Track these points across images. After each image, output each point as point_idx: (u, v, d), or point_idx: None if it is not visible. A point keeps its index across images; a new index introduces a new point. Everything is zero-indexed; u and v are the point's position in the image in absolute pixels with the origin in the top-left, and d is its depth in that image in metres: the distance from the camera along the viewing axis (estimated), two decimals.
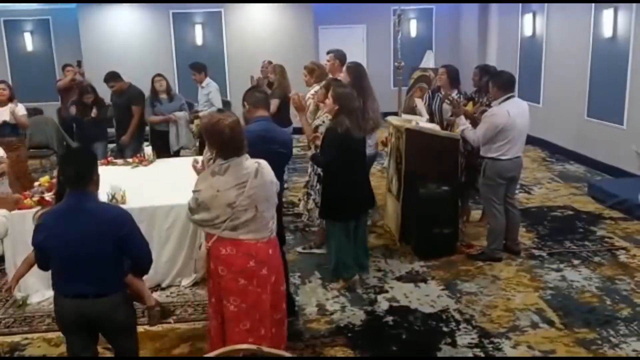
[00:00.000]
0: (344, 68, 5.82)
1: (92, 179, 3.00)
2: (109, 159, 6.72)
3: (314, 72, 6.32)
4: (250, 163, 3.30)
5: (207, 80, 8.12)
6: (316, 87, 6.02)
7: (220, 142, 3.25)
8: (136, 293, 3.31)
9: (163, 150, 7.41)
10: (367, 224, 5.37)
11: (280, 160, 4.04)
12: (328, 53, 6.32)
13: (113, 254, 2.97)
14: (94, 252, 2.91)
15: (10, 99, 6.82)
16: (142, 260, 3.12)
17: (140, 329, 4.25)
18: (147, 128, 7.93)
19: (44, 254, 3.01)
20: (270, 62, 8.64)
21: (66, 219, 2.93)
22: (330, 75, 6.06)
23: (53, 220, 2.97)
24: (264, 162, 3.35)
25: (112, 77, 7.70)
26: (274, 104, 7.55)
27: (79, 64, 8.92)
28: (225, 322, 3.37)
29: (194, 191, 3.30)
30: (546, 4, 9.79)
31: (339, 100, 4.62)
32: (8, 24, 12.45)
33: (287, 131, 5.64)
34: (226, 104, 9.38)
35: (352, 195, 4.75)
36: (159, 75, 7.68)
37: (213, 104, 7.99)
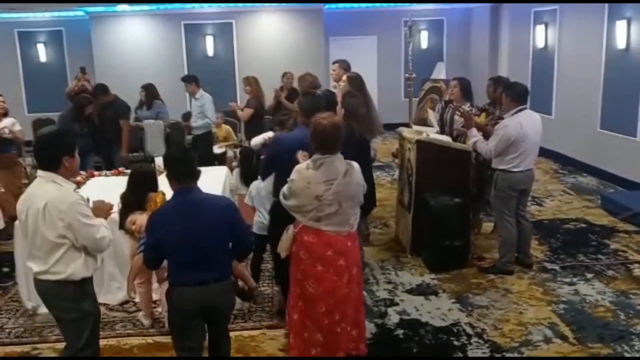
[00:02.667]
0: (344, 77, 6.01)
1: (197, 176, 3.28)
2: (120, 169, 6.75)
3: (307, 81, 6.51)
4: (341, 163, 3.64)
5: (201, 92, 8.26)
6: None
7: (319, 139, 3.58)
8: (239, 276, 3.61)
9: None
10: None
11: None
12: (334, 63, 6.71)
13: (225, 239, 3.25)
14: (212, 240, 3.18)
15: (5, 114, 6.79)
16: (247, 244, 3.44)
17: (148, 340, 4.26)
18: None
19: (161, 251, 3.21)
20: (291, 73, 8.70)
21: (182, 214, 3.17)
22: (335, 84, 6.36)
23: (168, 218, 3.20)
24: (355, 165, 3.70)
25: (103, 91, 7.86)
26: (248, 113, 7.73)
27: (83, 70, 8.98)
28: (305, 300, 3.69)
29: (289, 179, 3.62)
30: (558, 15, 9.75)
31: (347, 107, 4.94)
32: (22, 35, 12.57)
33: None
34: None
35: None
36: (142, 87, 8.28)
37: (206, 115, 8.15)
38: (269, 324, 4.55)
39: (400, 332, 4.43)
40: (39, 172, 3.22)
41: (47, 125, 8.73)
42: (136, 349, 4.28)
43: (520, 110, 5.17)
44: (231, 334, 4.32)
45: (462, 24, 13.49)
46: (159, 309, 4.66)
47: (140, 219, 4.13)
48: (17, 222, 3.68)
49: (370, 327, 4.49)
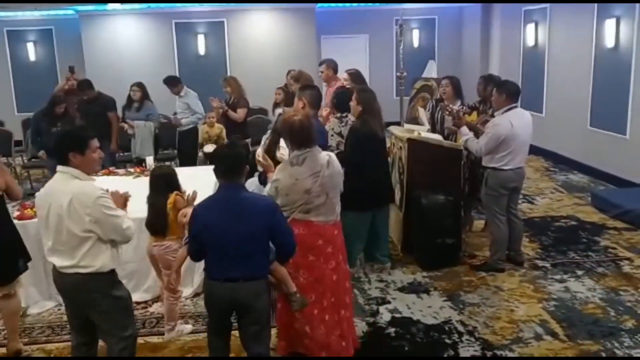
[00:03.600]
0: (346, 75, 6.17)
1: (242, 172, 3.31)
2: (111, 169, 6.72)
3: (299, 80, 6.54)
4: (322, 155, 3.76)
5: (185, 89, 8.24)
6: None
7: (297, 135, 3.68)
8: (279, 279, 3.51)
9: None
10: (388, 218, 5.48)
11: None
12: (321, 64, 6.75)
13: (264, 240, 3.26)
14: (248, 238, 3.19)
15: None
16: (287, 246, 3.36)
17: (140, 340, 4.24)
18: None
19: (200, 243, 3.26)
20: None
21: (221, 208, 3.22)
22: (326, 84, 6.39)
23: (208, 211, 3.25)
24: (333, 155, 3.87)
25: (88, 86, 7.78)
26: (243, 112, 7.72)
27: (72, 69, 8.88)
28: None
29: (273, 180, 3.69)
30: (548, 14, 9.80)
31: (362, 103, 4.93)
32: (11, 34, 12.47)
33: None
34: None
35: (373, 190, 5.01)
36: (136, 84, 8.07)
37: (195, 111, 8.17)
38: None
39: (391, 330, 4.44)
40: (59, 168, 3.26)
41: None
42: None
43: (511, 108, 5.19)
44: None
45: (453, 22, 13.52)
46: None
47: (190, 210, 4.07)
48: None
49: (362, 326, 4.50)
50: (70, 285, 3.27)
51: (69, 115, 7.50)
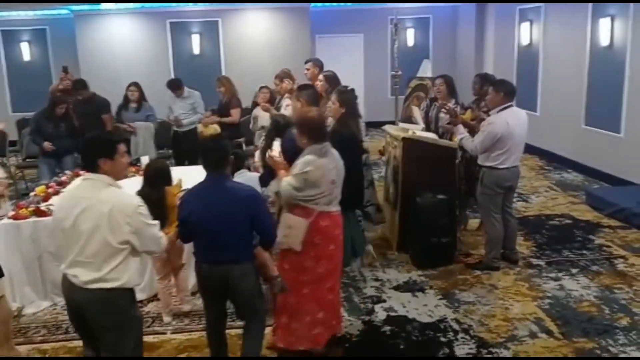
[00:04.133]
0: (321, 76, 6.06)
1: (228, 163, 3.51)
2: None
3: (284, 79, 6.63)
4: (332, 148, 3.93)
5: (187, 90, 8.15)
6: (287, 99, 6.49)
7: (315, 129, 3.82)
8: (262, 264, 3.66)
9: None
10: (358, 220, 5.32)
11: None
12: (307, 62, 6.72)
13: (245, 227, 3.42)
14: (230, 224, 3.37)
15: None
16: (268, 234, 3.54)
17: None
18: None
19: (188, 227, 3.45)
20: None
21: (207, 196, 3.41)
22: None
23: (195, 198, 3.45)
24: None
25: (83, 86, 7.71)
26: (238, 112, 7.72)
27: (65, 69, 8.83)
28: (311, 285, 3.88)
29: (300, 172, 3.75)
30: (543, 13, 9.82)
31: (345, 104, 4.86)
32: (5, 34, 12.43)
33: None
34: None
35: (354, 192, 4.88)
36: (134, 84, 7.95)
37: (198, 111, 8.11)
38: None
39: (387, 328, 4.44)
40: (87, 175, 3.13)
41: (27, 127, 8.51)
42: None
43: (507, 107, 5.19)
44: None
45: (448, 21, 13.54)
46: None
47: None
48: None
49: (357, 324, 4.51)
50: (88, 301, 3.04)
51: (70, 116, 7.41)
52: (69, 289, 3.09)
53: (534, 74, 10.17)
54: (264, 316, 3.73)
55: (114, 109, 7.99)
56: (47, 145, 7.10)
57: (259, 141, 7.14)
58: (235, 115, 7.88)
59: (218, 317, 3.70)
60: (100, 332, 3.12)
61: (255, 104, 7.76)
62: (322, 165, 3.78)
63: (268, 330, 4.33)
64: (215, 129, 8.39)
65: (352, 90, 5.14)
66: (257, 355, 3.71)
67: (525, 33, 10.45)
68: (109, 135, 3.52)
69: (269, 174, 4.62)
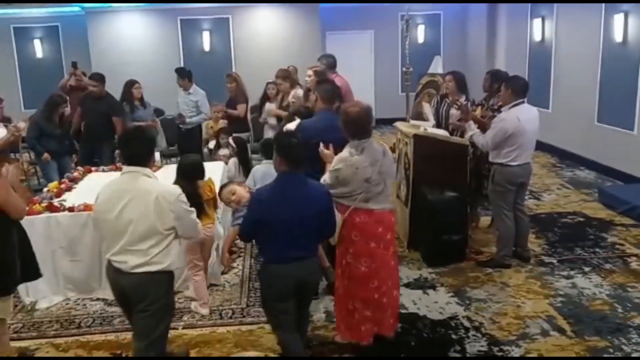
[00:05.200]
0: (310, 71, 6.17)
1: (303, 162, 3.49)
2: (118, 165, 6.73)
3: (287, 78, 6.84)
4: (378, 145, 3.94)
5: (194, 87, 8.21)
6: (298, 91, 6.72)
7: (356, 126, 3.83)
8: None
9: None
10: None
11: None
12: (319, 59, 6.90)
13: (317, 222, 3.47)
14: (308, 222, 3.41)
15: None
16: (331, 227, 3.64)
17: None
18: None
19: (258, 226, 3.40)
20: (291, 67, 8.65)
21: (285, 195, 3.39)
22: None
23: (271, 196, 3.42)
24: (386, 145, 4.06)
25: (100, 79, 7.55)
26: (244, 108, 7.78)
27: (75, 65, 8.81)
28: (354, 282, 3.88)
29: (333, 170, 3.81)
30: (555, 9, 9.75)
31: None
32: (18, 31, 12.53)
33: None
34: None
35: None
36: (137, 82, 7.90)
37: (201, 110, 8.16)
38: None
39: (397, 325, 4.43)
40: (127, 168, 3.30)
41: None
42: None
43: (518, 104, 5.17)
44: (229, 328, 4.38)
45: (459, 18, 13.48)
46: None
47: (239, 190, 4.17)
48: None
49: None
50: (134, 284, 3.25)
51: (68, 117, 7.31)
52: (115, 276, 3.32)
53: (546, 70, 10.10)
54: None
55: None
56: (46, 157, 6.95)
57: (269, 134, 7.23)
58: (241, 110, 7.96)
59: (295, 318, 3.62)
60: (138, 314, 3.31)
61: (266, 98, 7.79)
62: (354, 163, 3.77)
63: None
64: (224, 123, 8.44)
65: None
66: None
67: (537, 29, 10.38)
68: (149, 131, 3.69)
69: None
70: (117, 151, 8.15)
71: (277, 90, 7.64)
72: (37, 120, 7.02)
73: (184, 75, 8.19)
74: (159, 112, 8.89)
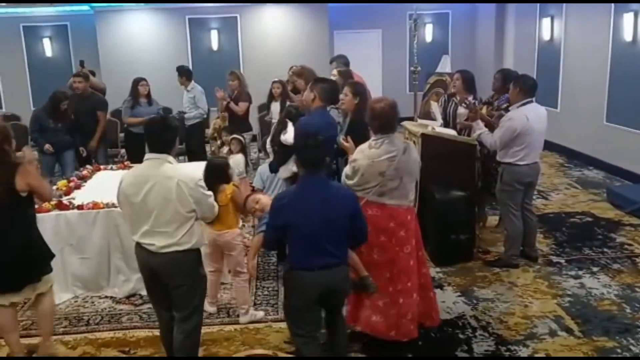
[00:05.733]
0: (334, 71, 6.29)
1: (324, 163, 3.51)
2: (126, 163, 6.76)
3: (302, 75, 6.81)
4: (399, 141, 3.96)
5: (193, 84, 8.42)
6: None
7: (380, 121, 3.89)
8: (352, 265, 3.66)
9: (138, 152, 7.46)
10: None
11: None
12: (331, 62, 7.16)
13: (345, 228, 3.38)
14: (334, 227, 3.33)
15: None
16: (362, 234, 3.53)
17: (155, 332, 4.29)
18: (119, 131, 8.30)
19: (283, 233, 3.36)
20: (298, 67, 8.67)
21: (308, 198, 3.33)
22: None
23: (294, 201, 3.35)
24: (411, 144, 4.11)
25: (85, 76, 7.68)
26: (245, 106, 7.81)
27: (82, 64, 8.87)
28: (369, 268, 3.83)
29: (351, 160, 3.86)
30: (564, 8, 9.70)
31: (359, 95, 4.93)
32: (27, 30, 12.59)
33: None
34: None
35: None
36: (144, 79, 8.03)
37: (199, 105, 8.31)
38: (275, 317, 4.57)
39: (416, 333, 4.41)
40: (150, 155, 3.47)
41: (10, 121, 8.32)
42: (142, 341, 4.31)
43: (526, 103, 5.15)
44: (236, 327, 4.39)
45: (467, 17, 13.44)
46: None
47: (263, 198, 4.25)
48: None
49: None
50: (164, 263, 3.43)
51: (68, 113, 7.36)
52: (145, 256, 3.49)
53: (555, 69, 10.06)
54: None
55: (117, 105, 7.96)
56: (47, 147, 7.08)
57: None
58: (242, 107, 7.99)
59: (319, 324, 3.59)
60: (175, 290, 3.51)
61: (272, 97, 7.80)
62: (371, 155, 3.84)
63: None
64: (226, 118, 8.47)
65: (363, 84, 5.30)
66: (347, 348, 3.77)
67: (546, 28, 10.33)
68: (166, 117, 3.93)
69: (280, 160, 4.99)
70: (109, 149, 8.27)
71: (283, 88, 7.67)
72: (37, 115, 7.28)
73: (182, 74, 8.41)
74: (167, 111, 8.93)
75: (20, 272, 3.85)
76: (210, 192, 3.58)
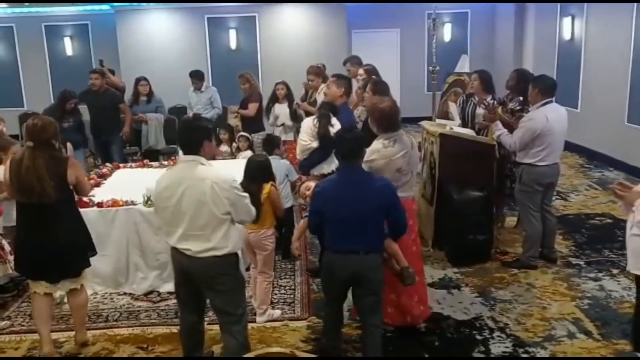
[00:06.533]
0: (360, 71, 6.51)
1: (361, 155, 3.65)
2: (145, 161, 6.82)
3: (320, 74, 6.92)
4: (407, 137, 4.16)
5: (206, 84, 8.58)
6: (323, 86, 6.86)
7: (387, 120, 4.07)
8: (391, 255, 3.82)
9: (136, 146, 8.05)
10: None
11: None
12: (345, 63, 7.34)
13: (378, 217, 3.55)
14: (365, 214, 3.49)
15: None
16: (401, 224, 3.66)
17: (173, 329, 4.33)
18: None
19: (320, 217, 3.60)
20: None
21: (342, 186, 3.57)
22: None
23: (330, 188, 3.62)
24: (412, 138, 4.27)
25: (102, 73, 7.80)
26: (255, 107, 7.77)
27: (101, 63, 8.97)
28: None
29: (367, 160, 3.92)
30: (586, 8, 9.60)
31: (380, 93, 4.99)
32: (49, 29, 12.75)
33: None
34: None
35: None
36: (144, 79, 8.29)
37: (215, 106, 8.42)
38: (291, 316, 4.58)
39: (422, 325, 4.41)
40: (184, 157, 3.48)
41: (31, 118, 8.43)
42: (160, 338, 4.34)
43: (546, 103, 5.11)
44: (253, 325, 4.40)
45: (486, 16, 13.34)
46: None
47: (314, 185, 4.31)
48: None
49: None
50: (201, 268, 3.39)
51: (78, 111, 7.46)
52: (182, 260, 3.43)
53: (575, 69, 9.95)
54: (382, 315, 3.83)
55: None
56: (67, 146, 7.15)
57: (282, 136, 7.26)
58: (251, 109, 7.93)
59: (338, 314, 3.83)
60: (214, 296, 3.49)
61: (275, 99, 7.71)
62: (387, 154, 4.00)
63: (303, 323, 4.38)
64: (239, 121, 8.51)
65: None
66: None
67: (567, 28, 10.23)
68: (204, 117, 3.95)
69: (323, 155, 5.27)
70: (126, 148, 8.36)
71: (287, 89, 7.65)
72: (47, 113, 7.12)
73: (201, 77, 8.55)
74: (183, 110, 9.02)
75: (59, 267, 3.95)
76: (246, 194, 3.51)
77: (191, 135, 3.45)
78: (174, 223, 3.39)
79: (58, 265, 3.95)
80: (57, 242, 3.87)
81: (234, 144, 7.37)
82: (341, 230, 3.51)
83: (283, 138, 7.28)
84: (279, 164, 5.44)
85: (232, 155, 7.47)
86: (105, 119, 7.65)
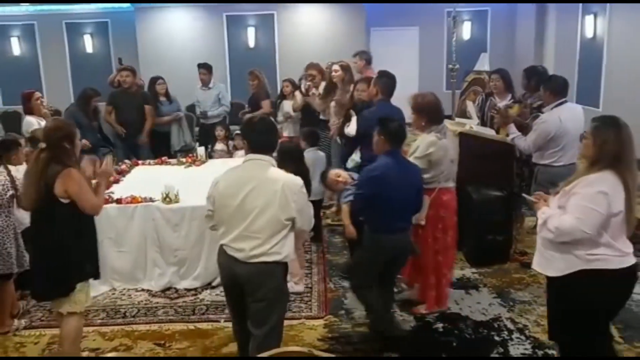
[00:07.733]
0: (336, 66, 6.65)
1: (403, 141, 3.98)
2: (163, 159, 6.83)
3: (347, 70, 6.86)
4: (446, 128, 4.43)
5: (213, 81, 8.37)
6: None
7: (435, 112, 4.26)
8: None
9: (163, 150, 7.57)
10: None
11: None
12: (354, 55, 7.33)
13: (415, 197, 4.00)
14: (410, 195, 3.93)
15: None
16: (421, 205, 4.13)
17: (190, 326, 4.34)
18: None
19: (371, 201, 3.86)
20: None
21: (397, 169, 3.87)
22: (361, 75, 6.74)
23: (389, 172, 3.85)
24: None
25: (133, 70, 7.62)
26: (268, 104, 7.75)
27: (120, 61, 8.99)
28: (442, 252, 4.46)
29: (424, 154, 4.17)
30: (608, 6, 9.46)
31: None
32: (69, 27, 12.88)
33: None
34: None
35: None
36: (161, 78, 7.97)
37: (223, 103, 8.28)
38: (308, 314, 4.57)
39: (439, 325, 4.39)
40: (252, 156, 3.31)
41: (53, 116, 8.38)
42: (177, 335, 4.36)
43: (560, 103, 5.04)
44: None
45: (506, 14, 13.20)
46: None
47: (343, 172, 4.63)
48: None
49: (409, 320, 4.48)
50: (250, 273, 3.21)
51: (98, 110, 7.40)
52: (231, 263, 3.27)
53: (597, 68, 9.80)
54: None
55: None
56: (85, 143, 7.05)
57: (286, 132, 7.31)
58: (265, 106, 7.88)
59: (375, 280, 4.08)
60: (254, 303, 3.27)
61: (283, 96, 7.72)
62: (443, 145, 4.20)
63: (320, 322, 4.38)
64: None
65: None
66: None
67: (589, 26, 10.08)
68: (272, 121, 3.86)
69: (349, 149, 5.39)
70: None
71: (293, 86, 7.63)
72: (73, 112, 7.14)
73: (210, 69, 8.33)
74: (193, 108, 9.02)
75: (41, 283, 3.60)
76: (310, 203, 3.41)
77: (270, 136, 3.40)
78: (232, 222, 3.24)
79: (39, 280, 3.63)
80: (38, 253, 3.63)
81: (230, 142, 7.34)
82: (398, 211, 3.86)
83: (287, 134, 7.36)
84: (317, 156, 5.76)
85: (229, 153, 7.46)
86: (137, 119, 7.46)
